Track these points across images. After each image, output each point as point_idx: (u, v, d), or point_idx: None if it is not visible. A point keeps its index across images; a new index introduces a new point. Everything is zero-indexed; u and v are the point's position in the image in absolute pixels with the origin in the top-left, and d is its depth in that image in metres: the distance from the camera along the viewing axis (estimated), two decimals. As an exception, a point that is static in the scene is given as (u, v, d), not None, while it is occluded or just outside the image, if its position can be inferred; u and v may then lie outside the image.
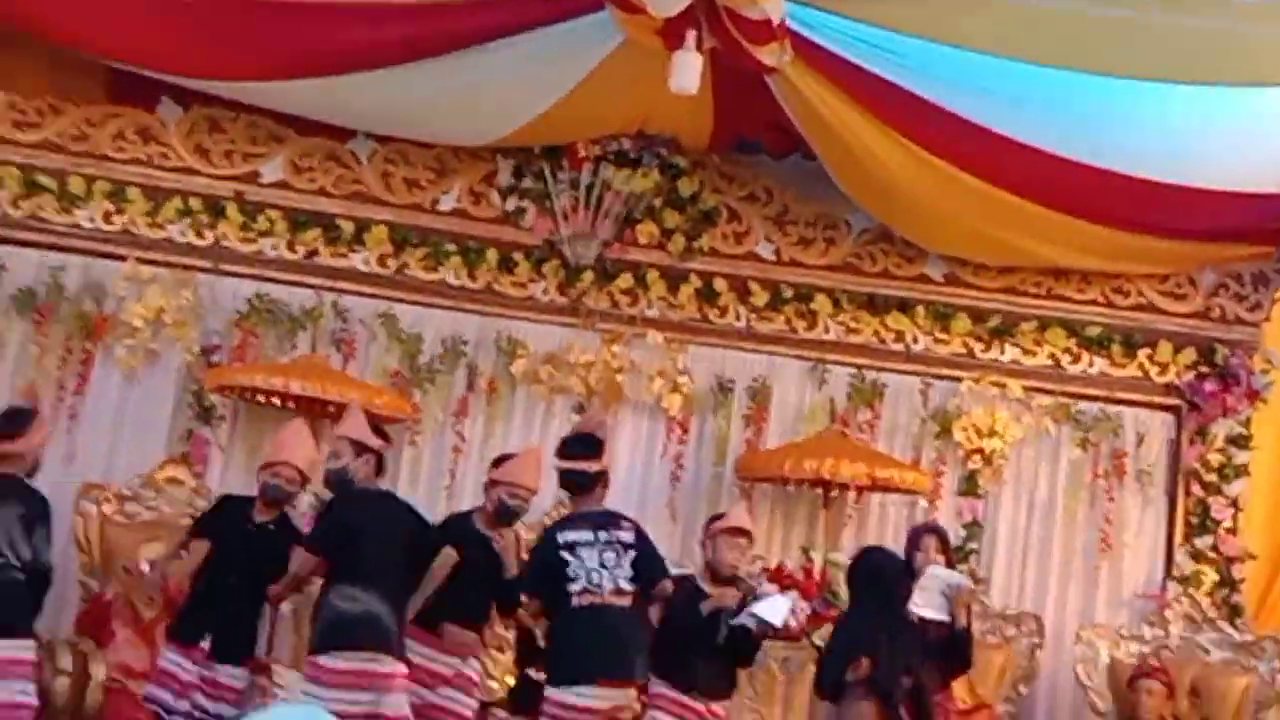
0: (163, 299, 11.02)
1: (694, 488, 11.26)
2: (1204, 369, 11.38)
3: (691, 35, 9.05)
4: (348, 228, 11.40)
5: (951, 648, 8.34)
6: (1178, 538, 11.21)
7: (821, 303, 11.45)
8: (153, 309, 11.00)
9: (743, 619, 8.24)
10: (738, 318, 11.47)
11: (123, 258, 11.19)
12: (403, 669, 7.95)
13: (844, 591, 10.46)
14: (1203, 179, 10.16)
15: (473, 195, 11.56)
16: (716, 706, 8.45)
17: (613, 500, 10.39)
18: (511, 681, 9.44)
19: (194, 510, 10.08)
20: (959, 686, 9.35)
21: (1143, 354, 11.46)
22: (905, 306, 11.51)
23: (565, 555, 8.01)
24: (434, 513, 9.86)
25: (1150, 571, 11.24)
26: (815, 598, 10.51)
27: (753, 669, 9.43)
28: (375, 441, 8.46)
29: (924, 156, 10.13)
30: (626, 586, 7.94)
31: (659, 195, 11.44)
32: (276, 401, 10.74)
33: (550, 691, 8.07)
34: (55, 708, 9.07)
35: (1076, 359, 11.49)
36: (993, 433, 11.23)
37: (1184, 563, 11.11)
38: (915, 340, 11.49)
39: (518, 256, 11.46)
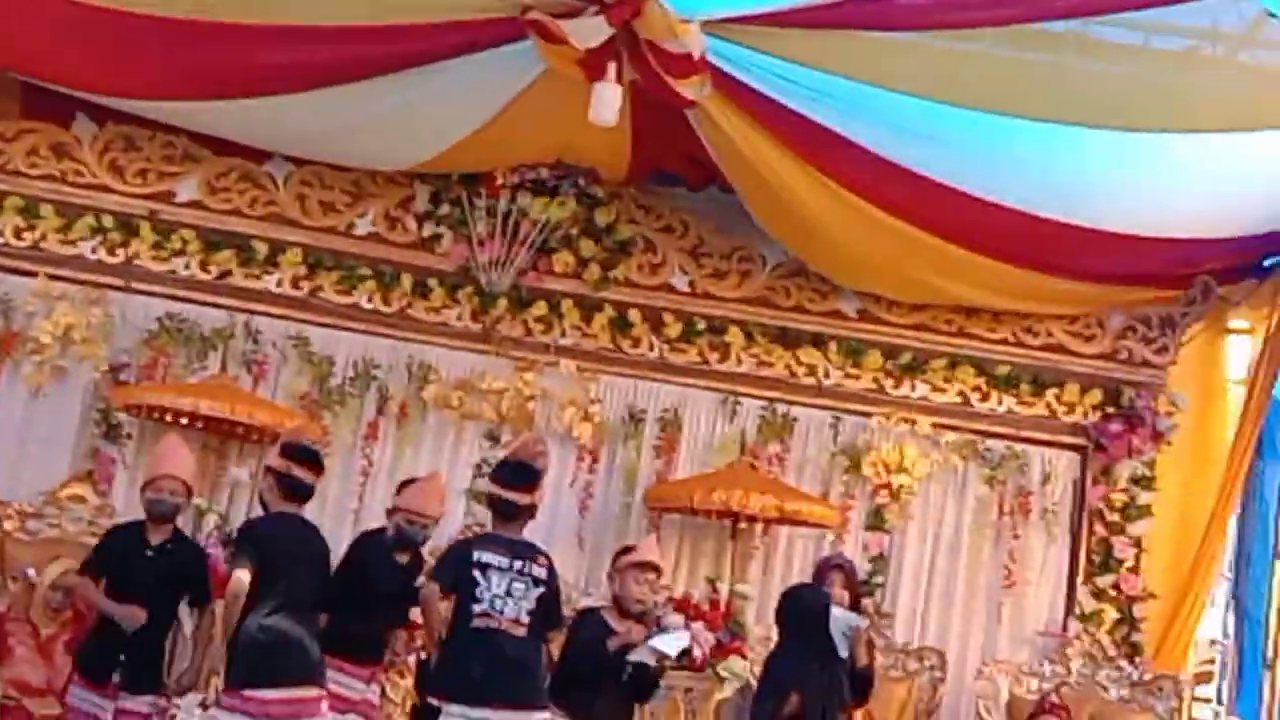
0: (72, 316, 10.98)
1: (603, 517, 11.27)
2: (1110, 410, 11.49)
3: (612, 67, 9.13)
4: (262, 249, 11.37)
5: (854, 681, 8.38)
6: (1080, 576, 11.30)
7: (734, 335, 11.51)
8: (62, 326, 10.95)
9: (640, 654, 8.23)
10: (650, 348, 11.51)
11: (33, 274, 11.13)
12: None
13: (749, 623, 10.56)
14: (1114, 223, 10.30)
15: (389, 220, 11.57)
16: None
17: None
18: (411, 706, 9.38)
19: (97, 529, 10.00)
20: (859, 717, 9.37)
21: (1050, 393, 11.57)
22: (818, 341, 11.58)
23: (476, 574, 7.92)
24: (340, 536, 9.84)
25: (1052, 609, 11.32)
26: (720, 629, 10.55)
27: (656, 700, 9.42)
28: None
29: (841, 193, 10.20)
30: (524, 619, 7.91)
31: (575, 225, 11.48)
32: (184, 421, 10.62)
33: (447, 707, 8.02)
34: (-52, 725, 8.97)
35: (985, 397, 11.58)
36: (901, 468, 11.30)
37: (1086, 601, 11.20)
38: (826, 375, 11.55)
39: (432, 282, 11.46)
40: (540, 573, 7.98)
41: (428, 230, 11.51)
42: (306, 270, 11.41)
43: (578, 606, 9.18)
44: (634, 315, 11.48)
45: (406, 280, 11.43)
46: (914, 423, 11.44)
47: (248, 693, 7.65)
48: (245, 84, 10.34)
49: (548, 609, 8.02)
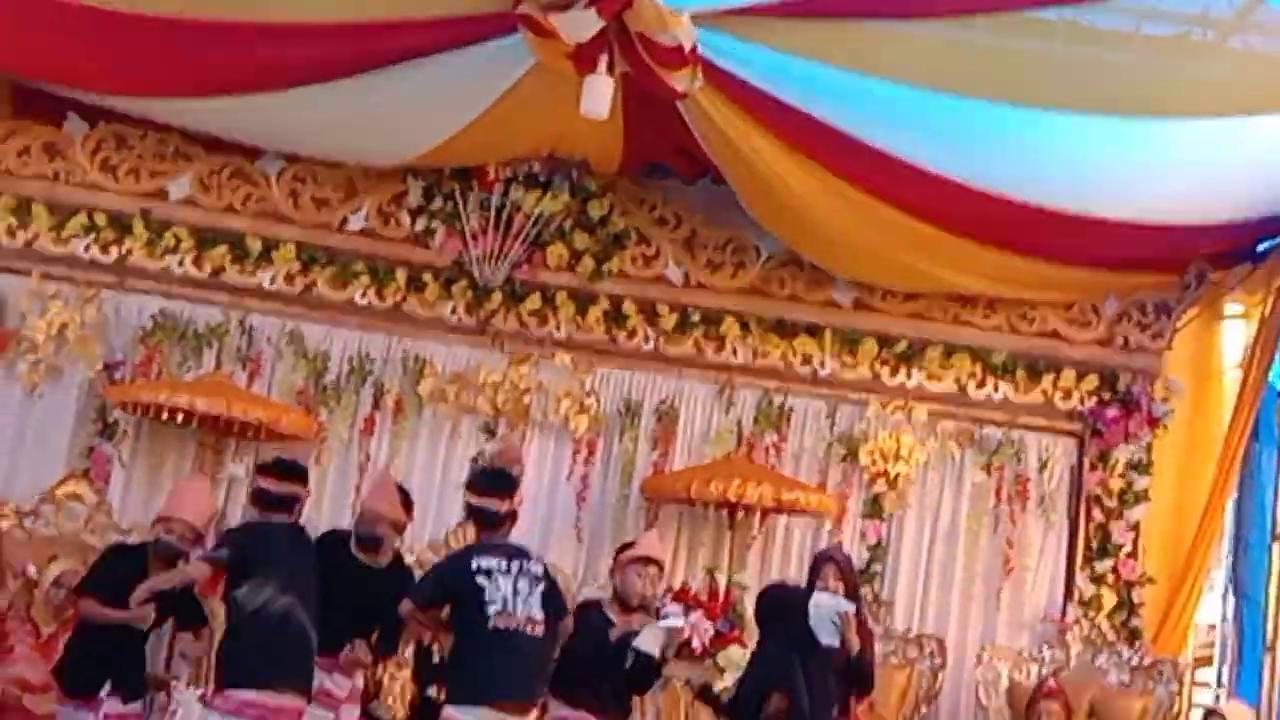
0: (66, 315, 10.97)
1: (600, 509, 11.27)
2: (1106, 395, 11.49)
3: (603, 60, 9.15)
4: (255, 246, 11.36)
5: (853, 672, 8.39)
6: (1078, 561, 11.31)
7: (729, 326, 11.49)
8: (56, 325, 10.95)
9: (643, 641, 8.28)
10: (646, 340, 11.50)
11: (27, 273, 11.12)
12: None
13: (748, 613, 10.54)
14: (1108, 209, 10.31)
15: (382, 215, 11.56)
16: None
17: (519, 521, 10.46)
18: (409, 699, 9.40)
19: (94, 527, 10.05)
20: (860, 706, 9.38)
21: (1047, 380, 11.56)
22: (813, 331, 11.57)
23: (481, 580, 7.96)
24: None
25: (1051, 595, 11.34)
26: (719, 619, 10.53)
27: (656, 689, 9.46)
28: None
29: (833, 183, 10.22)
30: (538, 616, 7.94)
31: (569, 218, 11.48)
32: (180, 419, 10.62)
33: (449, 710, 8.03)
34: (-52, 721, 8.98)
35: (981, 384, 11.57)
36: (898, 456, 11.29)
37: (1084, 586, 11.21)
38: (822, 364, 11.54)
39: (426, 277, 11.45)
40: (538, 570, 8.03)
41: (421, 225, 11.50)
42: (300, 266, 11.39)
43: (576, 599, 9.18)
44: (629, 307, 11.47)
45: (401, 275, 11.42)
46: (910, 411, 11.42)
47: (228, 692, 7.73)
48: (237, 81, 10.35)
49: (555, 602, 8.05)
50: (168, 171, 11.44)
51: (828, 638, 8.25)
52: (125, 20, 9.62)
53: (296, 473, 8.46)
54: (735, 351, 11.52)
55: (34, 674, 9.23)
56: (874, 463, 11.34)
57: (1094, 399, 11.51)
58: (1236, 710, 10.24)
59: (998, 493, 11.44)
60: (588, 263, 11.48)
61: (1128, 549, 11.28)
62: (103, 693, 8.26)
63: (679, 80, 9.33)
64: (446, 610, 8.08)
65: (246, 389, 11.01)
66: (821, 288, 11.63)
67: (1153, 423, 11.40)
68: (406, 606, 8.14)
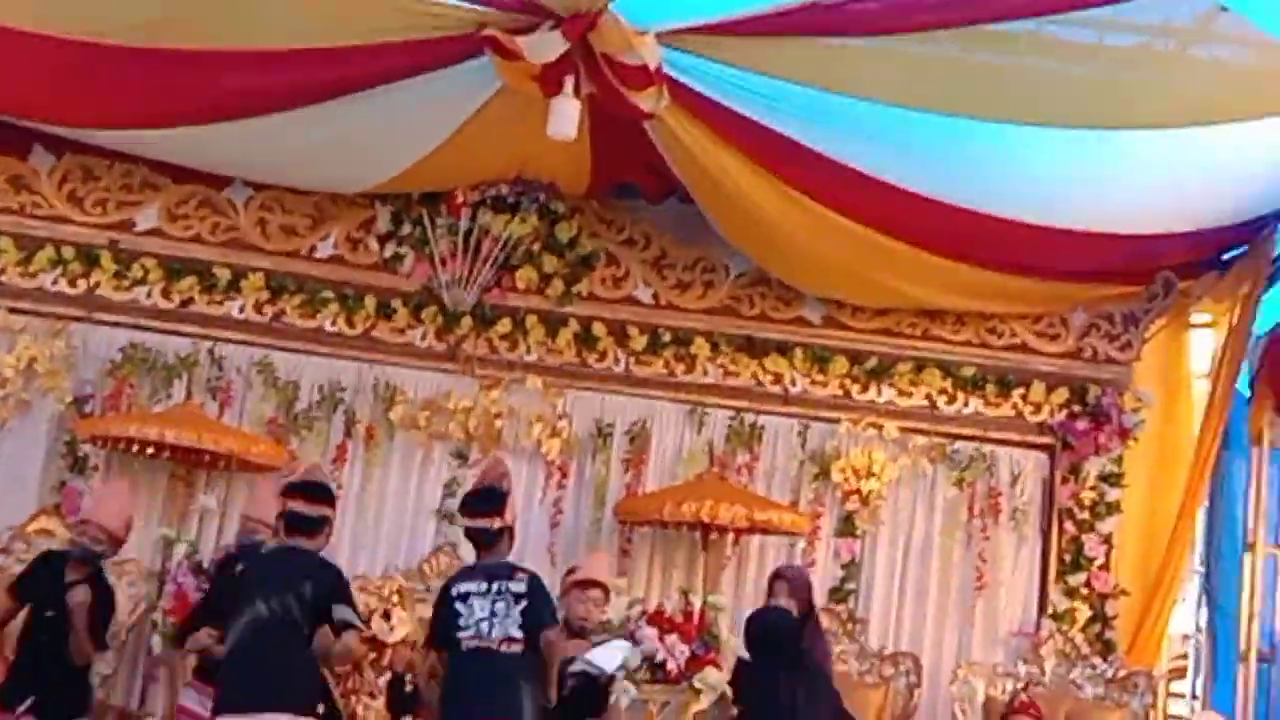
0: (34, 348, 10.95)
1: (574, 532, 11.26)
2: (1076, 408, 11.52)
3: (569, 81, 9.15)
4: (224, 275, 11.36)
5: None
6: (1052, 575, 11.31)
7: (700, 346, 11.51)
8: (25, 359, 10.94)
9: (578, 665, 8.31)
10: (616, 361, 11.51)
11: (-6, 307, 11.09)
12: None
13: (723, 633, 10.53)
14: (1074, 221, 10.35)
15: (350, 242, 11.56)
16: None
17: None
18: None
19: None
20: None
21: (1017, 394, 11.59)
22: (783, 349, 11.58)
23: (458, 605, 8.02)
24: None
25: (1025, 609, 11.33)
26: (694, 641, 10.49)
27: (633, 713, 9.44)
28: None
29: (801, 200, 10.24)
30: (516, 634, 7.94)
31: (537, 240, 11.48)
32: (151, 451, 10.60)
33: None
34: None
35: (952, 399, 11.60)
36: (870, 473, 11.30)
37: (1058, 600, 11.22)
38: (793, 382, 11.56)
39: (396, 303, 11.45)
40: (519, 588, 8.03)
41: (390, 251, 11.50)
42: (269, 295, 11.39)
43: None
44: (599, 329, 11.48)
45: (370, 302, 11.42)
46: (881, 427, 11.44)
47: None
48: (203, 111, 10.35)
49: (535, 616, 8.03)
50: (135, 202, 11.43)
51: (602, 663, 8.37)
52: (88, 51, 9.58)
53: (327, 494, 8.49)
54: (706, 371, 11.53)
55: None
56: (846, 480, 11.34)
57: (1064, 412, 11.53)
58: (1212, 720, 10.26)
59: (970, 508, 11.44)
60: (557, 285, 11.48)
61: (1100, 561, 11.30)
62: (21, 708, 8.30)
63: (645, 100, 9.33)
64: None
65: (217, 419, 10.97)
66: (791, 305, 11.65)
67: (1123, 434, 11.42)
68: (423, 661, 8.20)
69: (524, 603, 8.00)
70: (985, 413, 11.59)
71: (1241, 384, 11.40)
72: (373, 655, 9.12)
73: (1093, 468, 11.42)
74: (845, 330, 11.66)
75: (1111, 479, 11.42)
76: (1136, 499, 11.44)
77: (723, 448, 11.43)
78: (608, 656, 8.38)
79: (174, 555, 10.38)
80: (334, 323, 11.40)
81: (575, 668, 8.36)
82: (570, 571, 9.11)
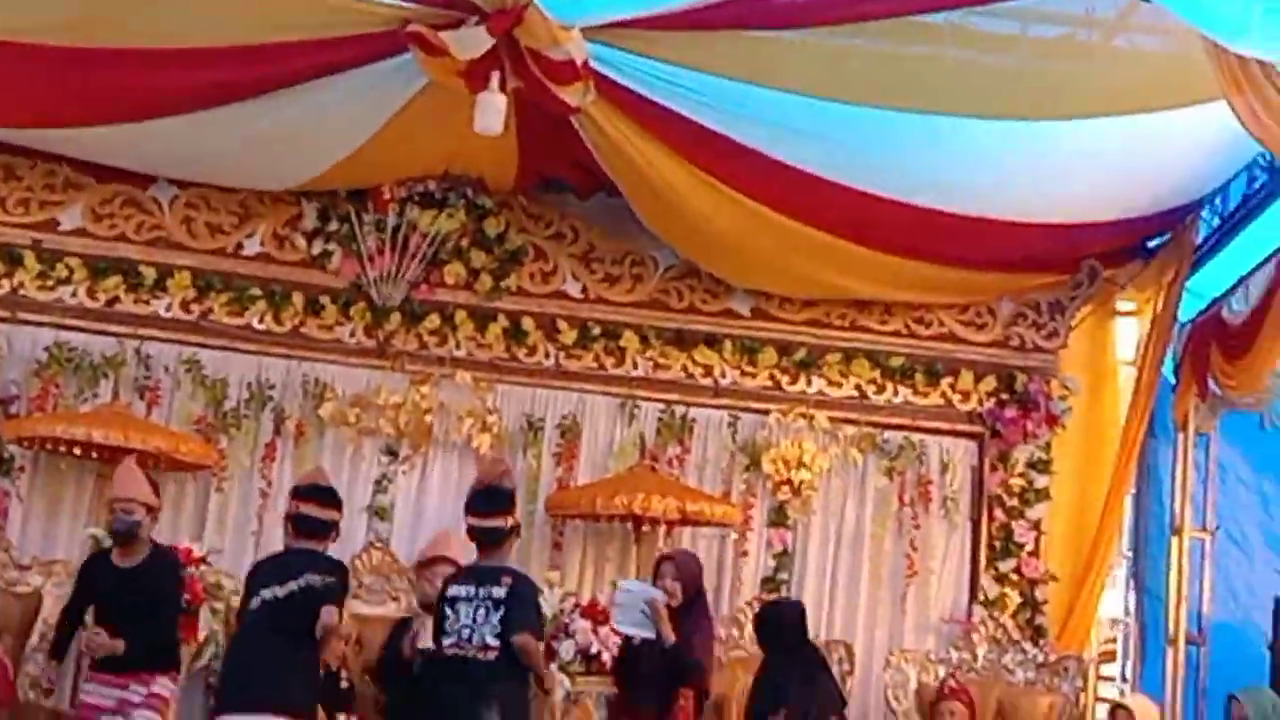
0: (-42, 350, 10.82)
1: (504, 527, 11.22)
2: (1004, 396, 11.59)
3: (495, 76, 9.12)
4: (149, 274, 11.26)
5: (675, 664, 8.48)
6: (982, 562, 11.39)
7: (629, 339, 11.51)
8: (-51, 361, 10.81)
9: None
10: (546, 356, 11.50)
11: (-84, 310, 10.97)
12: None
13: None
14: (999, 211, 10.42)
15: (277, 239, 11.49)
16: None
17: (424, 540, 10.49)
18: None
19: (-8, 565, 9.94)
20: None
21: (945, 383, 11.66)
22: (712, 341, 11.60)
23: (446, 609, 8.11)
24: (242, 560, 10.06)
25: (956, 595, 11.41)
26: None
27: (568, 705, 9.53)
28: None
29: (728, 193, 10.24)
30: (492, 642, 7.97)
31: (465, 236, 11.46)
32: (78, 452, 10.52)
33: None
34: None
35: (881, 389, 11.65)
36: (800, 464, 11.32)
37: (989, 586, 11.29)
38: (723, 374, 11.59)
39: (324, 299, 11.40)
40: (500, 593, 8.07)
41: (317, 248, 11.44)
42: (196, 293, 11.30)
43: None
44: (528, 324, 11.47)
45: (298, 299, 11.35)
46: (811, 418, 11.47)
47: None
48: (126, 109, 10.25)
49: (512, 621, 8.03)
50: (58, 202, 11.32)
51: (637, 628, 8.38)
52: (8, 49, 9.46)
53: (338, 500, 8.71)
54: (636, 364, 11.53)
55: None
56: (777, 471, 11.37)
57: (992, 400, 11.61)
58: (1142, 704, 10.33)
59: (900, 496, 11.50)
60: (485, 280, 11.46)
61: (1030, 548, 11.38)
62: None
63: (571, 95, 9.32)
64: None
65: (145, 419, 10.88)
66: (719, 298, 11.67)
67: (1051, 421, 11.51)
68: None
69: (502, 609, 8.03)
70: (914, 402, 11.65)
71: (1166, 370, 11.52)
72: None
73: (1021, 455, 11.50)
74: (774, 322, 11.69)
75: (1040, 466, 11.50)
76: (1065, 485, 11.52)
77: (654, 440, 11.43)
78: (631, 621, 8.46)
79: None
80: (262, 320, 11.33)
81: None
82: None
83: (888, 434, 11.59)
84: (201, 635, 9.63)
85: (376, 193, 11.29)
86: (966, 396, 11.64)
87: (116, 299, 11.23)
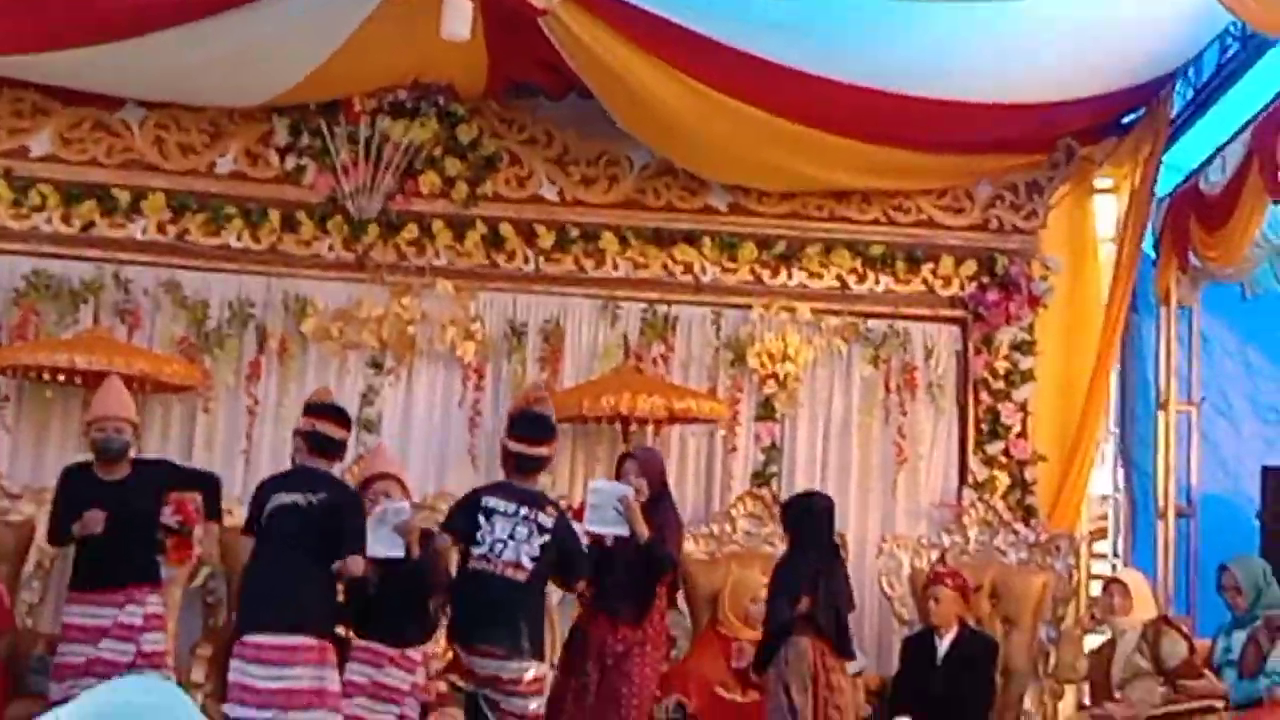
0: (-65, 282, 10.79)
1: (494, 434, 11.06)
2: (985, 279, 11.55)
3: (460, -20, 9.04)
4: (123, 197, 11.19)
5: (649, 558, 8.57)
6: (970, 445, 11.41)
7: (608, 240, 11.46)
8: (-74, 294, 10.78)
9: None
10: (526, 261, 11.46)
11: (-111, 244, 10.91)
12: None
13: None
14: (973, 93, 10.37)
15: (250, 156, 11.41)
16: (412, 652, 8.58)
17: (414, 451, 10.51)
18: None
19: (-20, 498, 9.98)
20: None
21: (926, 269, 11.62)
22: (691, 238, 11.56)
23: (480, 519, 8.13)
24: (232, 479, 10.22)
25: (946, 480, 11.44)
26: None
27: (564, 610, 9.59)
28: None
29: (699, 89, 10.19)
30: (526, 564, 8.01)
31: (439, 144, 11.38)
32: (62, 379, 10.52)
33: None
34: None
35: (862, 278, 11.61)
36: (785, 357, 11.32)
37: (978, 469, 11.32)
38: (704, 271, 11.56)
39: (300, 215, 11.32)
40: (547, 521, 8.13)
41: (290, 163, 11.37)
42: (171, 215, 11.24)
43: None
44: (506, 229, 11.42)
45: (274, 216, 11.28)
46: (794, 310, 11.46)
47: (245, 638, 7.99)
48: (89, 32, 10.15)
49: (554, 557, 8.11)
50: (27, 129, 11.22)
51: (610, 526, 8.42)
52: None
53: (347, 417, 8.73)
54: (616, 265, 11.50)
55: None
56: (762, 365, 11.37)
57: (974, 284, 11.57)
58: (1134, 578, 10.40)
59: (886, 384, 11.50)
60: (461, 188, 11.39)
61: (1017, 429, 11.40)
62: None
63: (537, -3, 9.28)
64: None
65: (127, 343, 10.87)
66: (697, 195, 11.62)
67: (1033, 302, 11.49)
68: (442, 540, 8.38)
69: (546, 537, 8.06)
70: (896, 289, 11.62)
71: (1147, 245, 11.52)
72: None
73: (1005, 337, 11.49)
74: (752, 216, 11.64)
75: (1024, 347, 11.50)
76: (1049, 366, 11.54)
77: (637, 340, 11.43)
78: (604, 519, 8.47)
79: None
80: (239, 238, 11.27)
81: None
82: None
83: (871, 323, 11.58)
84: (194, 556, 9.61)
85: (347, 105, 11.20)
86: (948, 281, 11.61)
87: (92, 224, 11.17)
